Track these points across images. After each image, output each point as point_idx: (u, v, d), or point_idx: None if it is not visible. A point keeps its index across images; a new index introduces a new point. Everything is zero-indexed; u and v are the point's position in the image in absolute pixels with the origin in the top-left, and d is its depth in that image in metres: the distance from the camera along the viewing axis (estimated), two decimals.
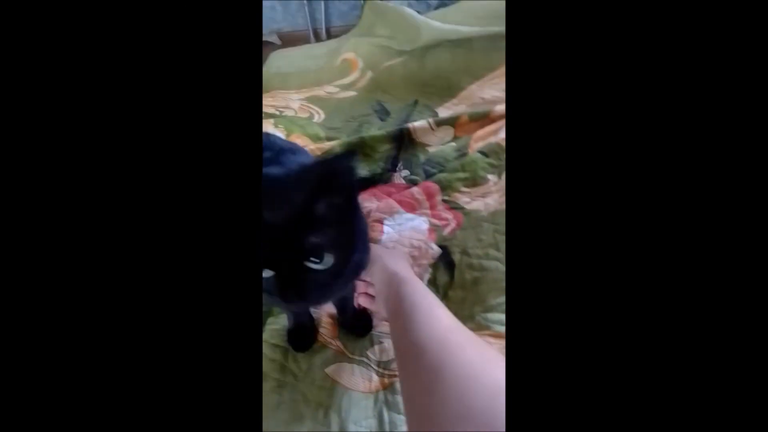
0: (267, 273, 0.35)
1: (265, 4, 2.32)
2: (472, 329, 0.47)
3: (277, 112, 1.13)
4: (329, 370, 0.61)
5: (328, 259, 0.36)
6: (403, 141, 0.95)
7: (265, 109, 1.14)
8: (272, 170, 0.40)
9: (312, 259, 0.35)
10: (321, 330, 0.65)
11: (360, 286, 0.59)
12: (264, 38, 2.30)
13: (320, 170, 0.35)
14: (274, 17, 2.37)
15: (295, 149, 0.57)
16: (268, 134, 0.62)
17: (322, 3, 2.31)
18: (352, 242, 0.39)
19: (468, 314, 0.62)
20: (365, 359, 0.62)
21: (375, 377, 0.59)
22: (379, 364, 0.61)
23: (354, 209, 0.40)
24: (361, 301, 0.52)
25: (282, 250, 0.34)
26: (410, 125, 0.95)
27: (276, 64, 1.35)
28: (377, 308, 0.58)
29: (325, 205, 0.35)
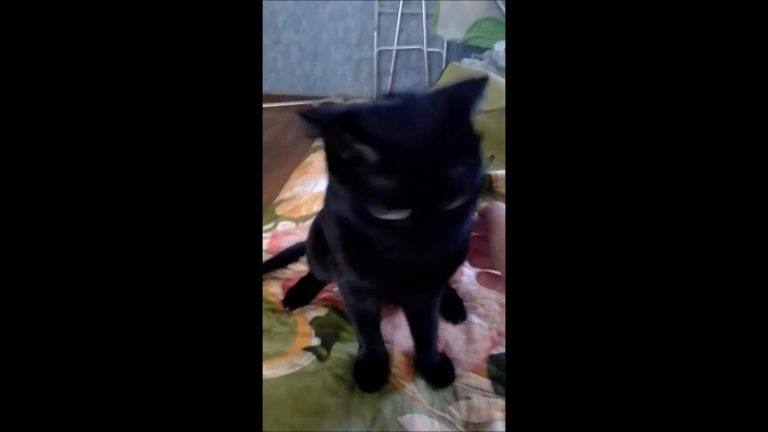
0: (397, 214, 0.28)
1: (337, 70, 2.51)
2: None
3: None
4: (403, 420, 0.48)
5: (461, 199, 0.29)
6: (483, 187, 0.90)
7: None
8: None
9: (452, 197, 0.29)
10: (393, 369, 0.54)
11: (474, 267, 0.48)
12: (330, 98, 2.44)
13: (453, 94, 0.30)
14: (344, 83, 2.54)
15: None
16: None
17: (390, 77, 2.47)
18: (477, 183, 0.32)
19: None
20: (447, 415, 0.49)
21: None
22: (466, 425, 0.48)
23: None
24: (481, 281, 0.41)
25: (422, 183, 0.27)
26: (492, 173, 0.91)
27: None
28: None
29: (459, 135, 0.29)
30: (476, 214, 0.38)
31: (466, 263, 0.42)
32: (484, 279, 0.40)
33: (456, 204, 0.29)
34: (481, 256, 0.40)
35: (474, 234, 0.39)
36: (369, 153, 0.28)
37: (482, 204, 0.39)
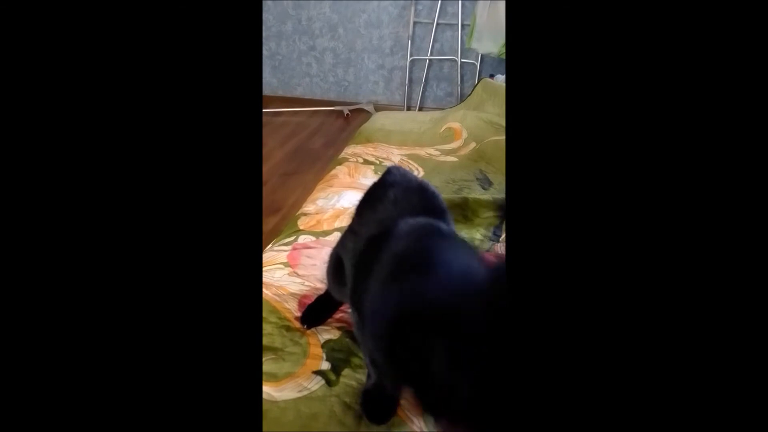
0: None
1: (370, 77, 2.52)
2: None
3: (377, 161, 1.11)
4: None
5: None
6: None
7: (366, 157, 1.13)
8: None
9: None
10: (402, 401, 0.53)
11: None
12: (361, 105, 2.45)
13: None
14: (376, 90, 2.55)
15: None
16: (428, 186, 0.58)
17: (421, 86, 2.46)
18: None
19: None
20: None
21: None
22: None
23: None
24: None
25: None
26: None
27: (381, 121, 1.38)
28: None
29: None
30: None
31: None
32: None
33: None
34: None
35: None
36: None
37: None
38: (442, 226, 0.48)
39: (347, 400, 0.51)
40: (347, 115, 2.44)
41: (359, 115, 2.40)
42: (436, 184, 1.02)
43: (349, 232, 0.55)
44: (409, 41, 2.36)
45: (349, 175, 1.04)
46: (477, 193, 0.96)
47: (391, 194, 0.54)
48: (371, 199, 0.55)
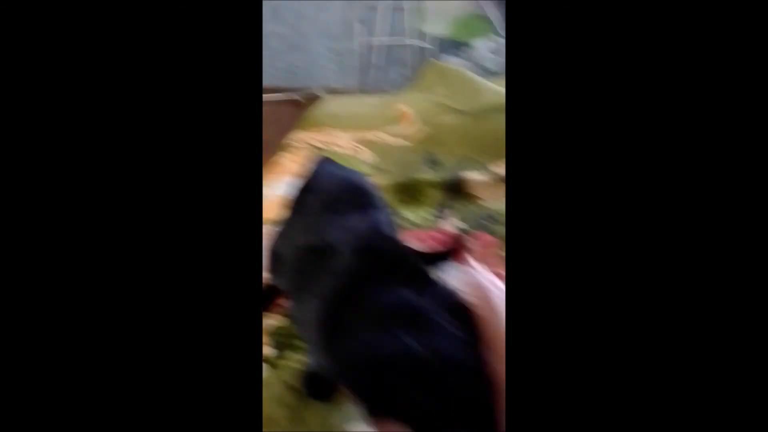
0: None
1: (321, 62, 2.47)
2: None
3: (324, 147, 1.10)
4: (350, 428, 0.48)
5: None
6: (456, 191, 0.90)
7: (313, 143, 1.11)
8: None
9: None
10: None
11: None
12: (313, 91, 2.40)
13: None
14: (328, 75, 2.50)
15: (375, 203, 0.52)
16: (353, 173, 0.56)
17: (375, 70, 2.44)
18: None
19: None
20: None
21: None
22: None
23: None
24: None
25: None
26: (464, 176, 0.91)
27: (329, 105, 1.36)
28: None
29: None
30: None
31: None
32: None
33: None
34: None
35: None
36: None
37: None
38: (382, 226, 0.47)
39: (290, 381, 0.51)
40: (300, 102, 2.39)
41: (313, 102, 2.36)
42: (384, 167, 1.03)
43: (279, 237, 0.53)
44: (360, 24, 2.33)
45: (294, 161, 1.02)
46: (425, 174, 0.98)
47: (321, 195, 0.51)
48: (299, 200, 0.53)
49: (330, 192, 0.51)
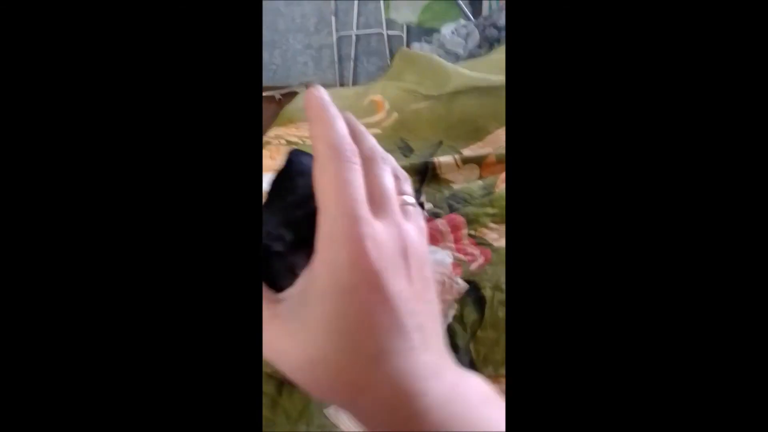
0: None
1: (298, 58, 2.46)
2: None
3: (301, 142, 1.11)
4: (329, 411, 0.50)
5: None
6: (427, 175, 0.92)
7: (288, 138, 1.13)
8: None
9: None
10: None
11: None
12: (292, 88, 2.40)
13: None
14: (306, 71, 2.50)
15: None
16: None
17: (351, 63, 2.44)
18: None
19: (501, 359, 0.52)
20: None
21: None
22: None
23: None
24: None
25: None
26: (435, 160, 0.93)
27: (302, 101, 1.37)
28: None
29: None
30: None
31: None
32: None
33: None
34: None
35: None
36: None
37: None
38: None
39: (268, 370, 0.53)
40: (279, 99, 2.39)
41: (292, 99, 2.35)
42: None
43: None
44: (333, 17, 2.32)
45: (271, 158, 1.04)
46: (398, 161, 0.99)
47: (294, 182, 0.52)
48: (273, 190, 0.54)
49: (303, 178, 0.52)
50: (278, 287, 0.29)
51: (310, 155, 0.64)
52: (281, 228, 0.44)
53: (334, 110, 0.26)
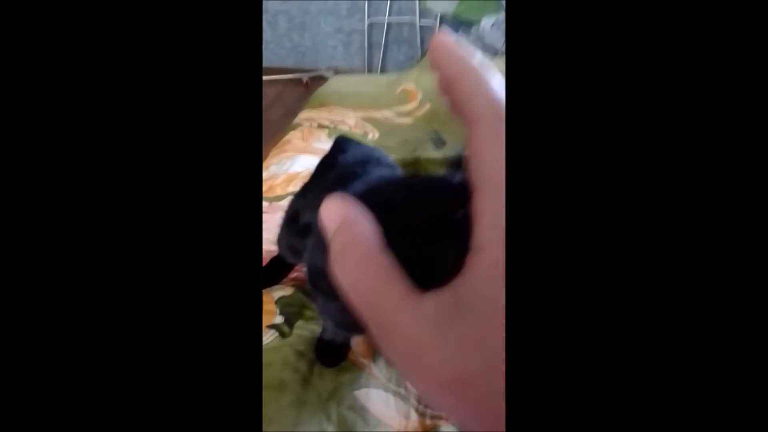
0: None
1: (327, 41, 2.45)
2: None
3: (331, 125, 1.11)
4: (359, 393, 0.51)
5: None
6: (461, 168, 0.91)
7: (320, 121, 1.12)
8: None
9: None
10: (354, 347, 0.56)
11: None
12: (320, 72, 2.39)
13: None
14: (335, 55, 2.48)
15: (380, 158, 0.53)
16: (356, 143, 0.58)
17: (381, 50, 2.41)
18: None
19: None
20: (403, 390, 0.52)
21: (414, 415, 0.49)
22: (420, 400, 0.51)
23: None
24: None
25: None
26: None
27: (336, 84, 1.37)
28: None
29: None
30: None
31: None
32: None
33: None
34: None
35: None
36: None
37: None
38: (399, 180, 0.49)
39: (301, 348, 0.54)
40: (306, 82, 2.38)
41: (320, 82, 2.35)
42: (390, 145, 1.04)
43: (300, 207, 0.54)
44: (366, 2, 2.30)
45: (303, 139, 1.04)
46: (430, 153, 0.98)
47: (341, 166, 0.53)
48: (319, 171, 0.55)
49: (349, 163, 0.53)
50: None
51: (354, 141, 0.64)
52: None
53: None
